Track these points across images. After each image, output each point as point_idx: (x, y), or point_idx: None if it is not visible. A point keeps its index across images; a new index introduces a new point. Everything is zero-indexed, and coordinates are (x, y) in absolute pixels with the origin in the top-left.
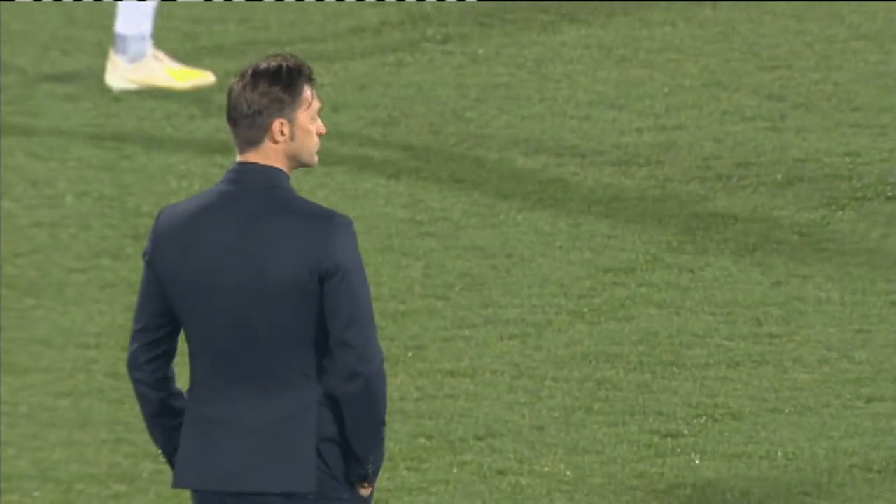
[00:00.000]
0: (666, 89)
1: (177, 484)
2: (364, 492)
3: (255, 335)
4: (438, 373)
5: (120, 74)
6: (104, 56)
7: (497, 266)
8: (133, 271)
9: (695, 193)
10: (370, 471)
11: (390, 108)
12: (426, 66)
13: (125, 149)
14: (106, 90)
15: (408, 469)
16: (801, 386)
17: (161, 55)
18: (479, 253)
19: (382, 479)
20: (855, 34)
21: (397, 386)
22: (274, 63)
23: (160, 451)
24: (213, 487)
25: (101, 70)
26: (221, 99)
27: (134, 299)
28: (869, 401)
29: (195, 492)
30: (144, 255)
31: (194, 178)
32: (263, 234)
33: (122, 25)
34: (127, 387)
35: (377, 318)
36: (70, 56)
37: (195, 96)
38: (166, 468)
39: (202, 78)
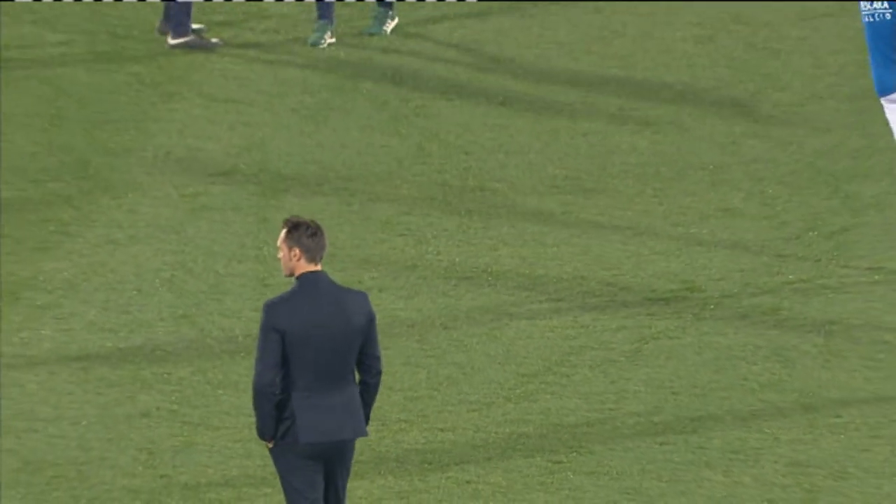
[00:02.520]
0: None
1: (304, 440)
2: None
3: (339, 358)
4: None
5: None
6: None
7: None
8: None
9: None
10: (368, 419)
11: None
12: None
13: None
14: None
15: None
16: None
17: None
18: None
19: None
20: None
21: None
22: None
23: (268, 434)
24: (323, 440)
25: None
26: None
27: None
28: None
29: (306, 444)
30: (269, 324)
31: None
32: (345, 304)
33: None
34: None
35: None
36: None
37: None
38: None
39: None
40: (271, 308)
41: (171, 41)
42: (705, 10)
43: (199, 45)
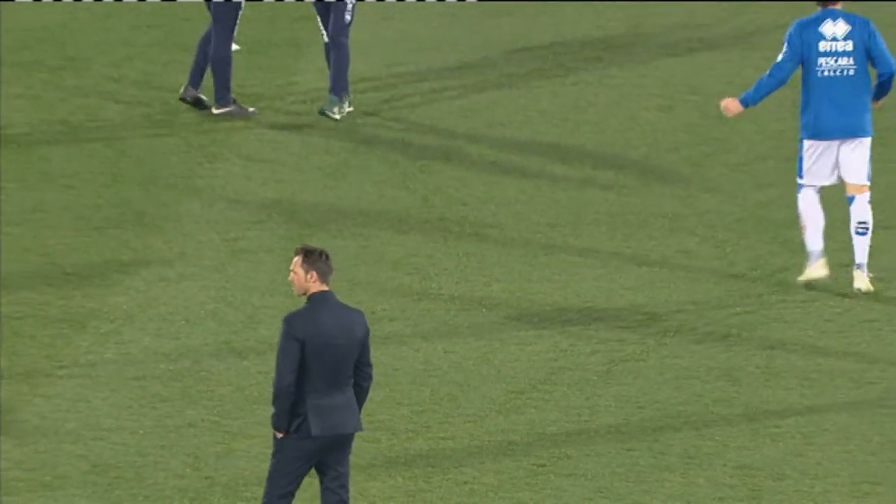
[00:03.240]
0: None
1: (315, 434)
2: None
3: (344, 365)
4: None
5: None
6: None
7: None
8: None
9: None
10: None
11: None
12: None
13: None
14: None
15: None
16: None
17: None
18: None
19: None
20: None
21: None
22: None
23: (283, 427)
24: (330, 434)
25: None
26: None
27: None
28: None
29: (319, 438)
30: (290, 334)
31: None
32: (349, 320)
33: None
34: None
35: None
36: None
37: None
38: None
39: None
40: (292, 320)
41: (216, 110)
42: (665, 83)
43: (239, 114)
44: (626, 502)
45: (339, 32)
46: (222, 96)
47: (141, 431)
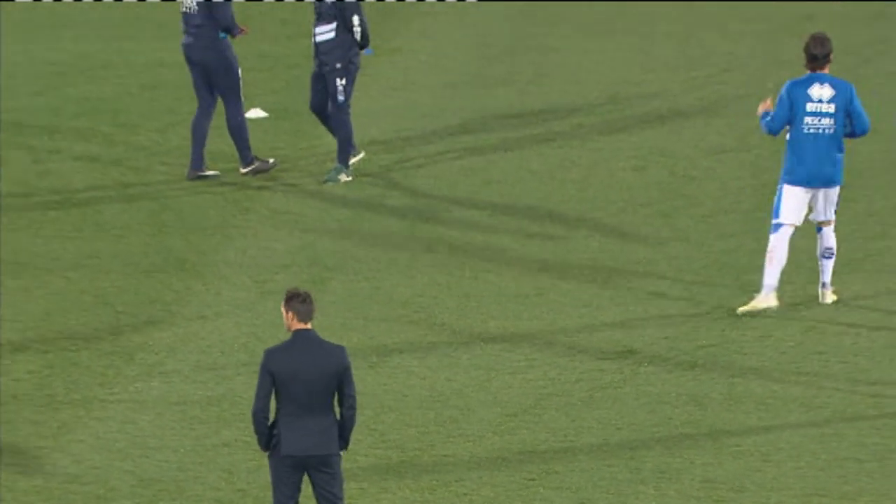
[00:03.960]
0: None
1: (284, 452)
2: (343, 452)
3: (316, 395)
4: None
5: None
6: None
7: None
8: None
9: None
10: (348, 442)
11: None
12: None
13: None
14: None
15: None
16: None
17: None
18: None
19: None
20: None
21: None
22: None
23: (263, 446)
24: (304, 453)
25: None
26: None
27: None
28: None
29: (288, 457)
30: (264, 366)
31: None
32: (324, 356)
33: None
34: None
35: None
36: None
37: None
38: None
39: None
40: (268, 355)
41: (243, 170)
42: (639, 146)
43: (262, 168)
44: None
45: (337, 111)
46: (245, 157)
47: (181, 450)
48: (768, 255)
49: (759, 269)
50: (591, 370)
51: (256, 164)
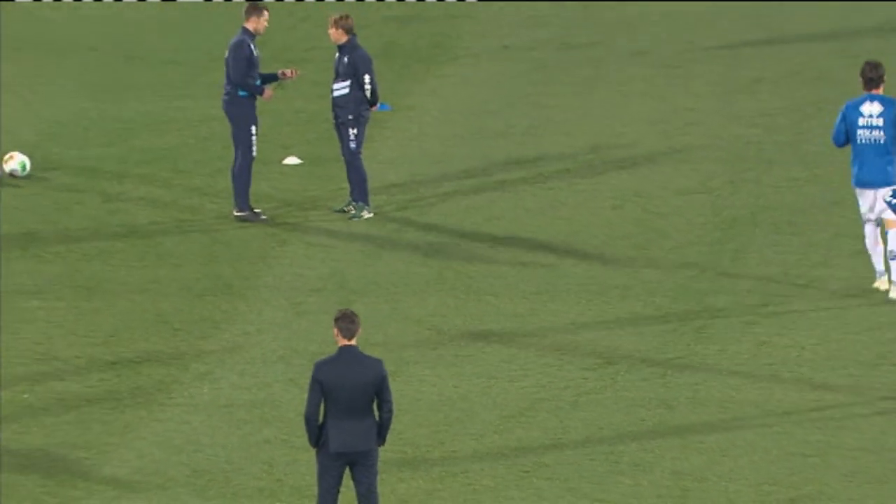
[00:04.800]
0: None
1: (332, 450)
2: (380, 447)
3: (360, 400)
4: None
5: None
6: None
7: None
8: None
9: None
10: (384, 440)
11: None
12: None
13: None
14: None
15: None
16: None
17: None
18: None
19: None
20: None
21: None
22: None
23: (313, 443)
24: (349, 449)
25: None
26: None
27: None
28: None
29: (335, 453)
30: (314, 377)
31: None
32: (363, 368)
33: None
34: None
35: None
36: None
37: None
38: None
39: None
40: (317, 366)
41: (236, 213)
42: (617, 188)
43: (250, 219)
44: (590, 499)
45: (351, 157)
46: (238, 202)
47: (229, 446)
48: (867, 250)
49: (717, 292)
50: (577, 378)
51: (247, 213)
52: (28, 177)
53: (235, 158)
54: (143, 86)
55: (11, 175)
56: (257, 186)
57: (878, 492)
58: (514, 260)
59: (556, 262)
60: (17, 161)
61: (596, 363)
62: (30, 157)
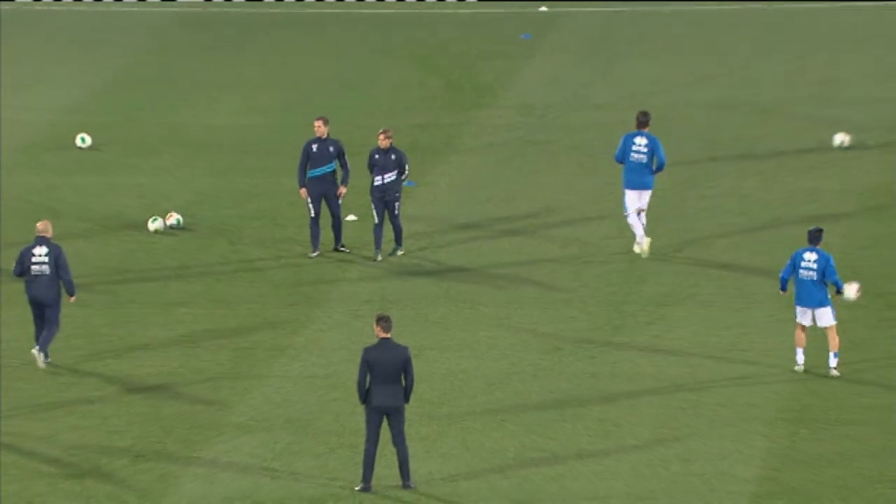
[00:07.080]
0: None
1: (374, 405)
2: (406, 404)
3: (393, 373)
4: None
5: None
6: None
7: None
8: None
9: None
10: (409, 400)
11: None
12: None
13: None
14: None
15: None
16: None
17: None
18: None
19: None
20: None
21: None
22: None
23: (362, 400)
24: (382, 404)
25: None
26: None
27: None
28: None
29: (376, 407)
30: (363, 357)
31: None
32: (395, 353)
33: None
34: None
35: None
36: None
37: None
38: None
39: None
40: (365, 351)
41: (311, 254)
42: (562, 237)
43: (340, 250)
44: (544, 437)
45: (395, 219)
46: (336, 240)
47: (310, 401)
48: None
49: (629, 303)
50: (535, 359)
51: (318, 253)
52: (181, 228)
53: (332, 214)
54: (255, 169)
55: (171, 227)
56: (327, 234)
57: (732, 433)
58: (495, 282)
59: (522, 282)
60: (174, 218)
61: (548, 348)
62: (182, 215)
